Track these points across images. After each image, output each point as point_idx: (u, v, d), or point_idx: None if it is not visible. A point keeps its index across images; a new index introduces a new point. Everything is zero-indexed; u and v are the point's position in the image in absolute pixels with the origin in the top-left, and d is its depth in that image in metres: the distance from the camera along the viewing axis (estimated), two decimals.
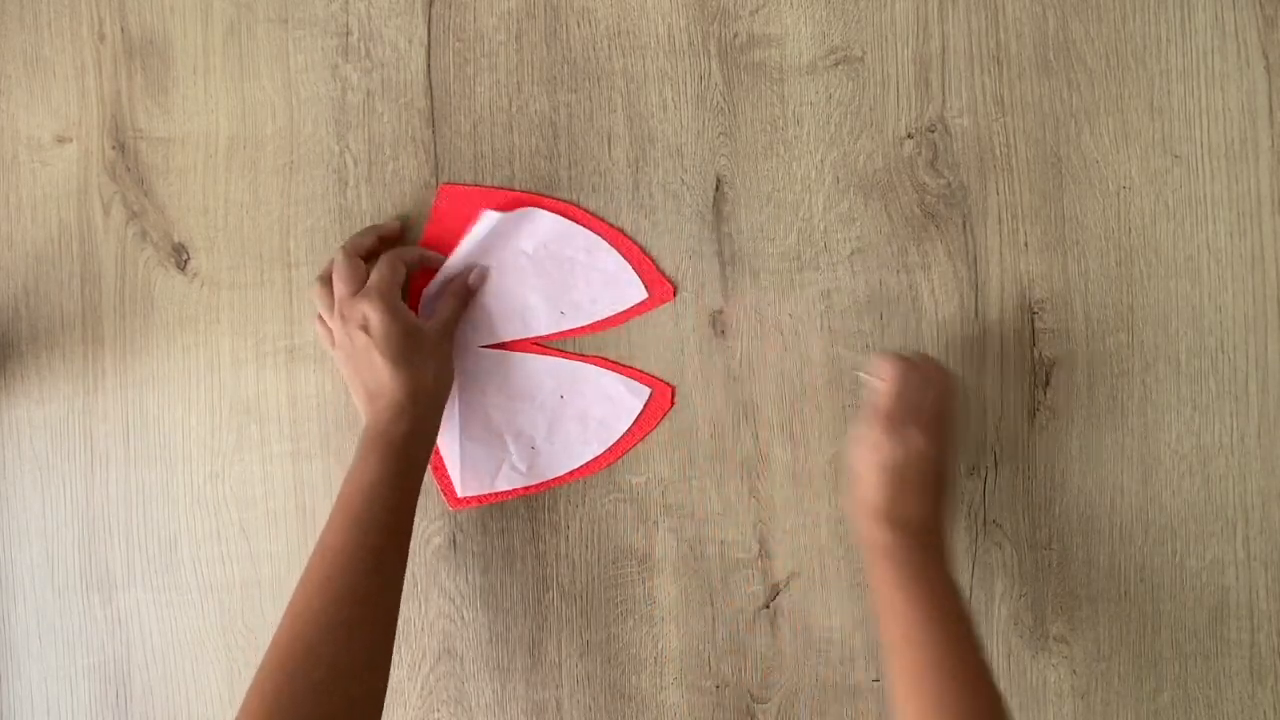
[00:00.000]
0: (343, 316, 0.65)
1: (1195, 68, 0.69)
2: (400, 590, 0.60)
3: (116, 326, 0.72)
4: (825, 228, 0.70)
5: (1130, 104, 0.70)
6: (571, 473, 0.71)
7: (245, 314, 0.71)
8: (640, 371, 0.71)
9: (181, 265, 0.72)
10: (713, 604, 0.71)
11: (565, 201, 0.71)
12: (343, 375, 0.67)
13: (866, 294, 0.70)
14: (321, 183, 0.71)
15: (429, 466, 0.70)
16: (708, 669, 0.71)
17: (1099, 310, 0.70)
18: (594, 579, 0.71)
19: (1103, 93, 0.70)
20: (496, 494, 0.71)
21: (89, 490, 0.72)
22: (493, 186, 0.71)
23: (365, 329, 0.64)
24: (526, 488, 0.71)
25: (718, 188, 0.70)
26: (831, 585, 0.71)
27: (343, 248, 0.67)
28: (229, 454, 0.72)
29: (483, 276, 0.70)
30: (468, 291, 0.70)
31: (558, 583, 0.71)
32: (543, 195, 0.71)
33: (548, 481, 0.71)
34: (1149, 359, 0.70)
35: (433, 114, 0.71)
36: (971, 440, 0.70)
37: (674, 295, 0.71)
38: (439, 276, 0.70)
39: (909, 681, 0.55)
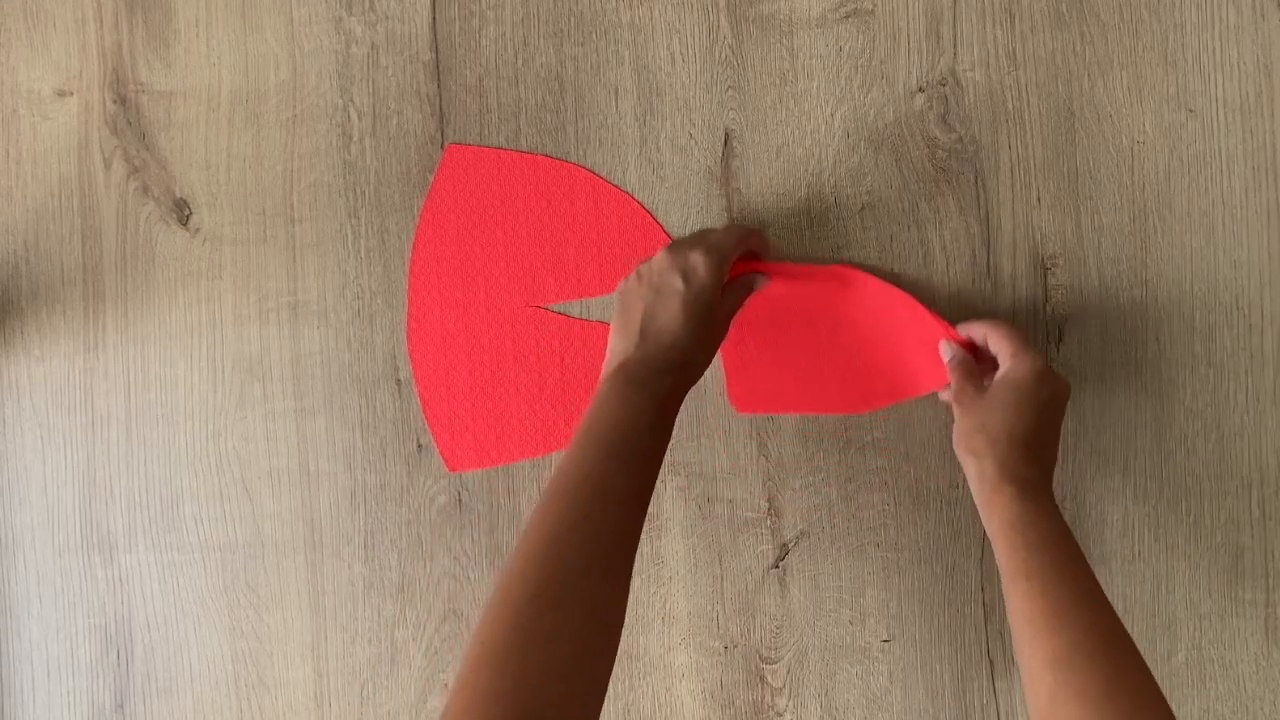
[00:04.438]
0: (673, 250, 0.63)
1: (1209, 20, 0.69)
2: (637, 545, 0.53)
3: (118, 283, 0.71)
4: (835, 183, 0.69)
5: (1144, 57, 0.69)
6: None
7: (248, 270, 0.71)
8: None
9: (183, 220, 0.71)
10: (721, 564, 0.70)
11: (572, 163, 0.70)
12: (618, 300, 0.64)
13: (877, 249, 0.69)
14: (325, 137, 0.70)
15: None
16: (716, 629, 0.70)
17: (1112, 266, 0.69)
18: None
19: (1116, 46, 0.69)
20: (495, 459, 0.70)
21: (90, 448, 0.71)
22: (499, 147, 0.70)
23: (684, 277, 0.61)
24: (525, 453, 0.71)
25: (726, 142, 0.70)
26: (841, 544, 0.70)
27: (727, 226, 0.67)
28: (231, 412, 0.71)
29: (764, 284, 0.68)
30: (749, 290, 0.68)
31: None
32: (549, 157, 0.70)
33: (549, 447, 0.70)
34: (1163, 315, 0.69)
35: (438, 67, 0.70)
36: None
37: None
38: None
39: (1069, 657, 0.50)
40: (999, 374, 0.62)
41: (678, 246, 0.63)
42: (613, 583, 0.50)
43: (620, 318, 0.63)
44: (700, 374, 0.63)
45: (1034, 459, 0.59)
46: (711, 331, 0.63)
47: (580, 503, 0.52)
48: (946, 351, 0.66)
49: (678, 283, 0.61)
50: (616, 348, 0.62)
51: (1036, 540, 0.55)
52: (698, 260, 0.61)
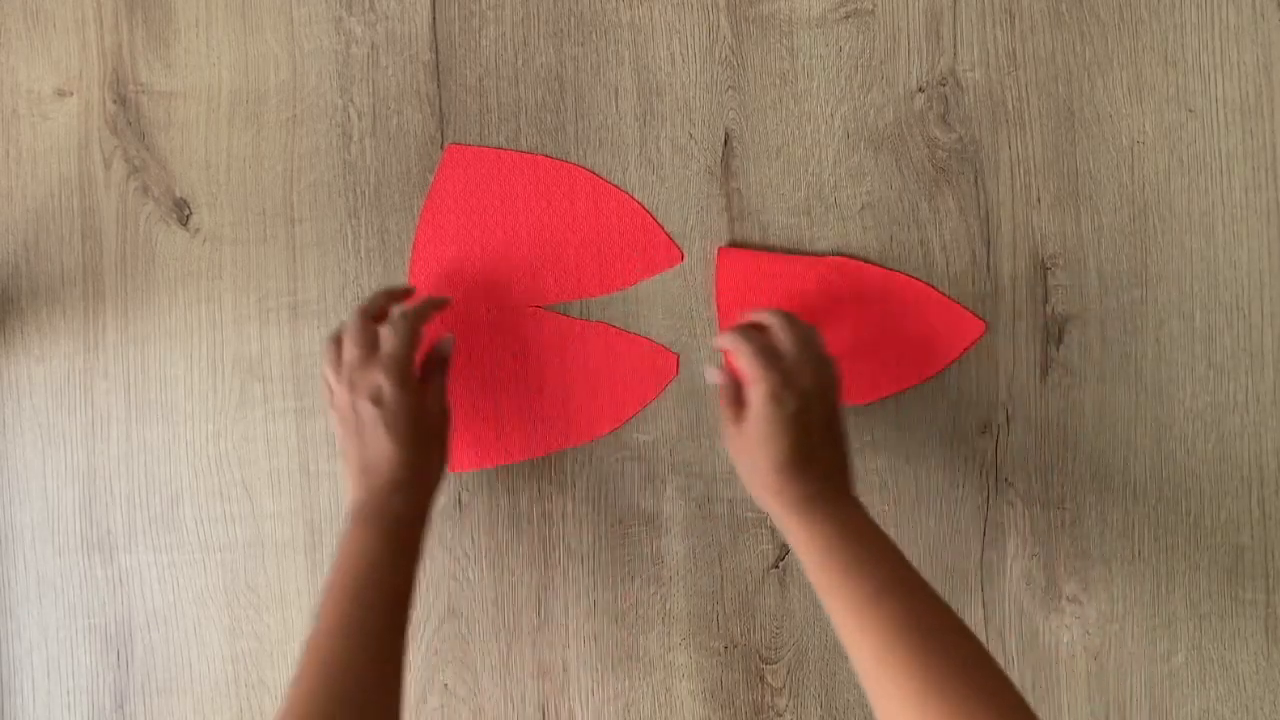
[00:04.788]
0: (351, 383, 0.61)
1: (1209, 21, 0.69)
2: (402, 681, 0.56)
3: (118, 283, 0.71)
4: (835, 183, 0.69)
5: (1144, 57, 0.69)
6: (572, 438, 0.70)
7: (248, 270, 0.71)
8: (645, 339, 0.70)
9: (183, 220, 0.71)
10: (721, 564, 0.70)
11: (572, 164, 0.70)
12: (338, 441, 0.64)
13: (878, 249, 0.69)
14: (325, 137, 0.70)
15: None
16: (716, 629, 0.70)
17: (1112, 266, 0.69)
18: (601, 539, 0.70)
19: (1116, 46, 0.69)
20: (495, 459, 0.71)
21: (90, 449, 0.71)
22: (499, 147, 0.70)
23: (376, 401, 0.61)
24: (525, 453, 0.71)
25: (726, 142, 0.70)
26: None
27: (357, 308, 0.64)
28: (231, 412, 0.71)
29: (451, 343, 0.67)
30: (444, 359, 0.67)
31: (564, 543, 0.71)
32: (550, 157, 0.70)
33: (548, 447, 0.70)
34: (1163, 316, 0.69)
35: (438, 67, 0.70)
36: (983, 398, 0.69)
37: (681, 259, 0.70)
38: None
39: (889, 643, 0.51)
40: (746, 407, 0.60)
41: (354, 373, 0.61)
42: None
43: (342, 462, 0.63)
44: (439, 476, 0.63)
45: (804, 475, 0.58)
46: (428, 432, 0.62)
47: (331, 658, 0.54)
48: (710, 377, 0.64)
49: (371, 410, 0.61)
50: (348, 489, 0.63)
51: (825, 555, 0.55)
52: (378, 379, 0.61)
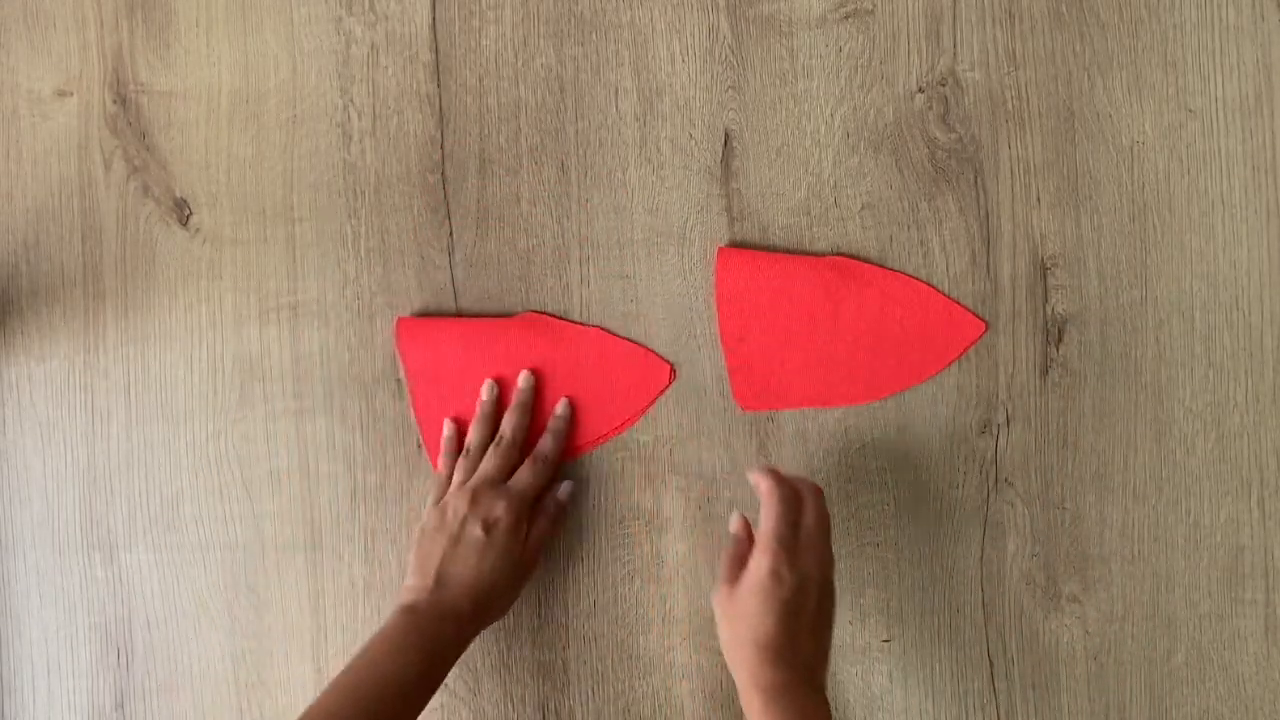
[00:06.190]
0: (474, 498, 0.64)
1: (1209, 21, 0.69)
2: None
3: (118, 283, 0.71)
4: (835, 183, 0.69)
5: (1144, 57, 0.69)
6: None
7: (248, 270, 0.71)
8: (640, 346, 0.70)
9: (183, 221, 0.71)
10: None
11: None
12: (417, 539, 0.65)
13: (877, 249, 0.69)
14: (325, 137, 0.70)
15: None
16: (716, 629, 0.70)
17: (1112, 266, 0.69)
18: (601, 538, 0.71)
19: (1116, 46, 0.69)
20: None
21: (90, 448, 0.71)
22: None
23: (487, 530, 0.63)
24: None
25: (726, 142, 0.70)
26: (840, 545, 0.70)
27: (483, 415, 0.68)
28: (231, 412, 0.71)
29: (570, 490, 0.69)
30: (561, 509, 0.69)
31: (564, 542, 0.70)
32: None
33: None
34: (1162, 315, 0.69)
35: (438, 68, 0.70)
36: (983, 398, 0.69)
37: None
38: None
39: None
40: (745, 573, 0.59)
41: (482, 491, 0.64)
42: None
43: (417, 557, 0.64)
44: (500, 615, 0.65)
45: (782, 661, 0.57)
46: (514, 575, 0.64)
47: None
48: (732, 524, 0.64)
49: (478, 533, 0.63)
50: (411, 585, 0.63)
51: None
52: (500, 512, 0.63)
